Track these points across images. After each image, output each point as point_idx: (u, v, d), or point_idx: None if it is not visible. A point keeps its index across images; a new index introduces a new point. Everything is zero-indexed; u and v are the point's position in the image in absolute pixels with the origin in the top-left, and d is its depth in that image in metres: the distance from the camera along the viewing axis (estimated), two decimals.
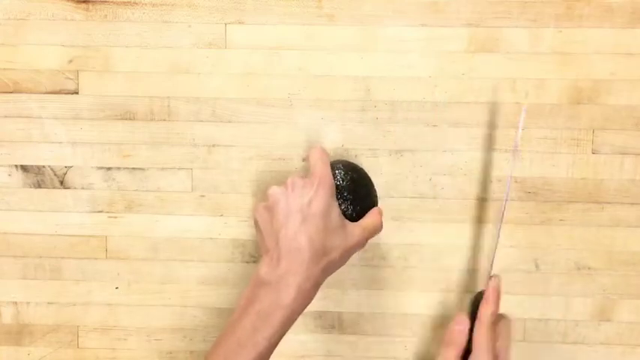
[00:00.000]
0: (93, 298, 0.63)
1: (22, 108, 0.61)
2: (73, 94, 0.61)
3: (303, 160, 0.60)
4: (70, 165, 0.62)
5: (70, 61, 0.61)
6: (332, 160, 0.55)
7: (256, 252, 0.62)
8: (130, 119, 0.61)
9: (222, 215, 0.61)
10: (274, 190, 0.51)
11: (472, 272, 0.61)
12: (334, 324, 0.62)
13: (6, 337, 0.63)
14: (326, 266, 0.49)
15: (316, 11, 0.59)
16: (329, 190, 0.50)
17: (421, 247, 0.61)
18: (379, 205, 0.56)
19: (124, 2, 0.60)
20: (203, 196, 0.61)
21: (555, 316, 0.61)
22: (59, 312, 0.63)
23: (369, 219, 0.53)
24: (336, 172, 0.53)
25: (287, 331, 0.49)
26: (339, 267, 0.52)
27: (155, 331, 0.63)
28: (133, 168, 0.61)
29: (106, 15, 0.60)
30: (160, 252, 0.62)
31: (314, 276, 0.48)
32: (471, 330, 0.50)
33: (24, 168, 0.62)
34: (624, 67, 0.59)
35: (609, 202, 0.60)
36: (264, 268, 0.48)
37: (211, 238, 0.62)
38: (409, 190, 0.60)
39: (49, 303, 0.63)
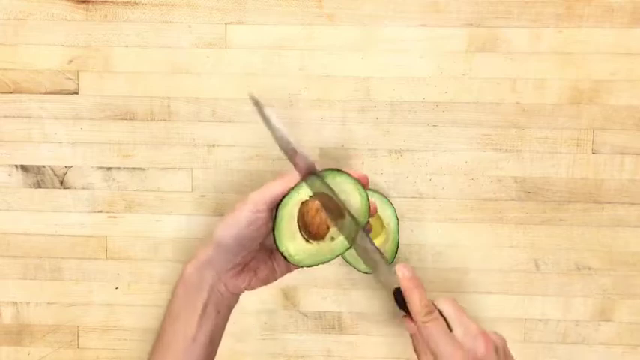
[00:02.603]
0: (93, 298, 0.63)
1: (22, 108, 0.61)
2: (73, 94, 0.61)
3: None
4: (70, 165, 0.62)
5: (70, 61, 0.61)
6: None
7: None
8: (130, 119, 0.61)
9: (222, 215, 0.61)
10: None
11: (472, 272, 0.61)
12: (334, 324, 0.62)
13: (6, 337, 0.63)
14: None
15: (316, 11, 0.59)
16: None
17: (421, 247, 0.61)
18: None
19: (124, 2, 0.60)
20: (203, 196, 0.61)
21: (555, 316, 0.61)
22: (59, 312, 0.63)
23: None
24: None
25: None
26: None
27: (155, 331, 0.63)
28: (133, 168, 0.61)
29: (106, 15, 0.60)
30: (159, 252, 0.62)
31: None
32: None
33: (24, 168, 0.62)
34: (624, 67, 0.59)
35: (609, 202, 0.60)
36: None
37: None
38: (409, 190, 0.60)
39: (49, 303, 0.63)
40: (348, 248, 0.48)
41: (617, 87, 0.59)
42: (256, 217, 0.46)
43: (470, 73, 0.59)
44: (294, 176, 0.48)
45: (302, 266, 0.48)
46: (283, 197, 0.47)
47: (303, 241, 0.48)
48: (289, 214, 0.47)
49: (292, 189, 0.47)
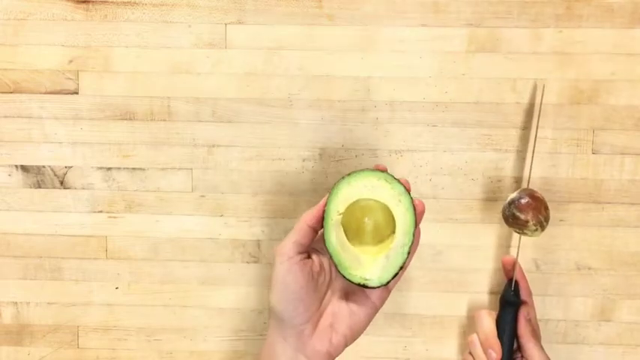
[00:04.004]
0: (93, 298, 0.63)
1: (22, 108, 0.61)
2: (73, 94, 0.61)
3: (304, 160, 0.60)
4: (70, 165, 0.62)
5: (70, 61, 0.61)
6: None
7: (256, 252, 0.62)
8: (130, 119, 0.61)
9: (222, 215, 0.61)
10: None
11: (472, 272, 0.61)
12: None
13: (6, 337, 0.63)
14: None
15: (316, 11, 0.59)
16: None
17: (421, 247, 0.61)
18: None
19: (124, 2, 0.60)
20: (203, 196, 0.61)
21: (555, 316, 0.61)
22: (59, 312, 0.63)
23: None
24: None
25: None
26: None
27: (155, 331, 0.63)
28: (133, 168, 0.61)
29: (106, 15, 0.60)
30: (160, 252, 0.62)
31: None
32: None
33: (24, 168, 0.62)
34: (624, 67, 0.59)
35: (609, 202, 0.60)
36: None
37: (211, 238, 0.62)
38: None
39: (49, 303, 0.63)
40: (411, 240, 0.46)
41: (617, 87, 0.59)
42: (289, 264, 0.45)
43: (470, 73, 0.59)
44: (317, 209, 0.47)
45: (382, 285, 0.46)
46: (323, 223, 0.46)
47: (367, 251, 0.47)
48: (336, 236, 0.46)
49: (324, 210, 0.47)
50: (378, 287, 0.46)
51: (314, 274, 0.47)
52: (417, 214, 0.47)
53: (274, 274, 0.46)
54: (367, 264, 0.46)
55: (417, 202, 0.47)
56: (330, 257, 0.46)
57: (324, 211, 0.47)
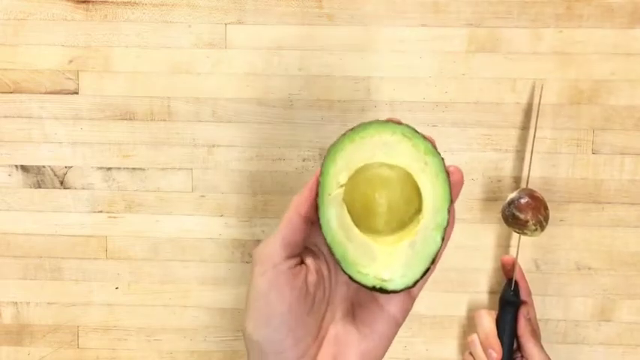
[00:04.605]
0: (93, 298, 0.63)
1: (22, 108, 0.61)
2: (73, 94, 0.61)
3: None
4: (70, 165, 0.62)
5: (70, 61, 0.61)
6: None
7: None
8: (130, 119, 0.61)
9: (222, 215, 0.61)
10: None
11: (472, 272, 0.61)
12: None
13: (6, 337, 0.63)
14: None
15: (316, 11, 0.59)
16: None
17: None
18: None
19: (124, 2, 0.60)
20: (203, 196, 0.61)
21: (555, 316, 0.61)
22: (59, 312, 0.63)
23: None
24: None
25: None
26: None
27: (155, 331, 0.63)
28: (133, 168, 0.61)
29: (106, 15, 0.60)
30: (160, 252, 0.62)
31: None
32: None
33: (24, 168, 0.62)
34: (624, 67, 0.59)
35: (609, 202, 0.60)
36: None
37: (211, 238, 0.62)
38: None
39: (49, 303, 0.63)
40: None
41: (617, 87, 0.59)
42: (274, 275, 0.32)
43: (470, 73, 0.59)
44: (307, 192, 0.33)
45: (406, 288, 0.32)
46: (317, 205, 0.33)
47: (382, 240, 0.33)
48: (337, 218, 0.33)
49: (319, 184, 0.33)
50: (402, 291, 0.32)
51: (309, 287, 0.33)
52: (452, 185, 0.33)
53: (252, 290, 0.32)
54: (384, 257, 0.33)
55: (451, 167, 0.34)
56: (330, 251, 0.32)
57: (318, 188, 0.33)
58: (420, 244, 0.33)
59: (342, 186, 0.33)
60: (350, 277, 0.32)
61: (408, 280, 0.32)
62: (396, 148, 0.34)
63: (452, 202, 0.33)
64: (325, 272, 0.35)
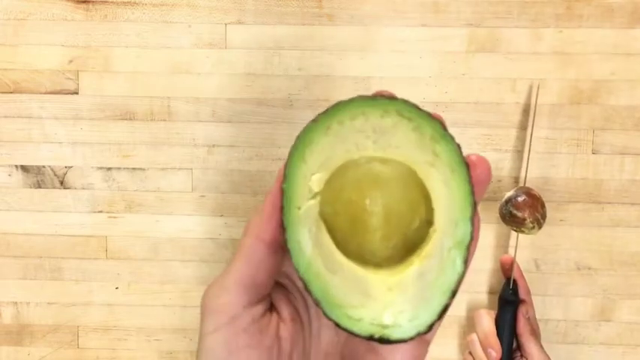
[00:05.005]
0: (93, 298, 0.63)
1: (22, 108, 0.61)
2: (73, 94, 0.61)
3: None
4: (70, 165, 0.62)
5: (70, 61, 0.61)
6: None
7: None
8: (130, 119, 0.61)
9: (222, 215, 0.61)
10: None
11: (471, 272, 0.61)
12: None
13: (6, 337, 0.63)
14: None
15: (316, 11, 0.59)
16: None
17: None
18: None
19: (124, 2, 0.60)
20: (203, 196, 0.61)
21: (555, 316, 0.61)
22: (59, 312, 0.63)
23: None
24: None
25: None
26: None
27: (155, 331, 0.63)
28: (133, 168, 0.61)
29: (106, 15, 0.60)
30: (160, 252, 0.62)
31: None
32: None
33: (24, 168, 0.62)
34: (624, 67, 0.58)
35: (609, 202, 0.60)
36: None
37: (211, 238, 0.62)
38: None
39: (49, 303, 0.63)
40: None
41: (617, 87, 0.59)
42: (232, 333, 0.24)
43: (470, 73, 0.59)
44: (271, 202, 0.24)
45: (418, 334, 0.24)
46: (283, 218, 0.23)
47: (378, 270, 0.24)
48: (312, 241, 0.24)
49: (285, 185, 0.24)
50: (411, 339, 0.24)
51: (283, 345, 0.24)
52: (476, 182, 0.24)
53: (201, 355, 0.24)
54: (382, 292, 0.24)
55: (472, 156, 0.25)
56: (305, 287, 0.23)
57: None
58: (433, 270, 0.24)
59: (316, 195, 0.24)
60: (336, 324, 0.23)
61: (420, 324, 0.23)
62: (391, 134, 0.24)
63: (475, 206, 0.24)
64: (305, 317, 0.25)
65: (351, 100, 0.24)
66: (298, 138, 0.24)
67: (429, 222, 0.24)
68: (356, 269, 0.24)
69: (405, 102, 0.24)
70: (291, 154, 0.24)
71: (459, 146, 0.24)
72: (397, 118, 0.24)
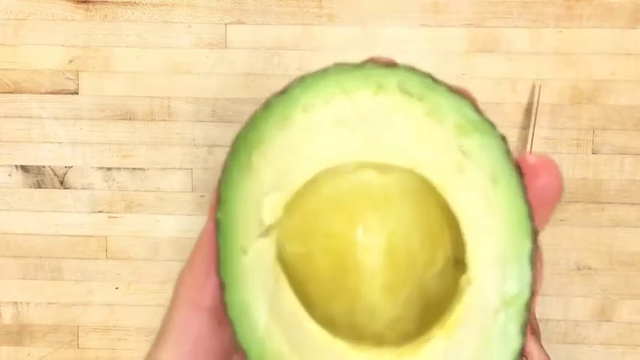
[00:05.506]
0: (93, 298, 0.63)
1: (22, 108, 0.61)
2: (73, 94, 0.61)
3: None
4: (70, 165, 0.62)
5: (70, 61, 0.61)
6: None
7: None
8: (130, 119, 0.61)
9: None
10: None
11: None
12: None
13: (6, 337, 0.63)
14: None
15: (316, 11, 0.59)
16: None
17: None
18: None
19: (124, 2, 0.60)
20: (203, 196, 0.61)
21: (555, 316, 0.61)
22: (59, 312, 0.63)
23: None
24: None
25: None
26: None
27: (155, 331, 0.62)
28: (133, 168, 0.61)
29: (106, 15, 0.60)
30: (159, 252, 0.62)
31: None
32: None
33: (24, 168, 0.62)
34: (624, 67, 0.59)
35: (609, 202, 0.60)
36: None
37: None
38: None
39: (49, 303, 0.63)
40: None
41: (617, 87, 0.59)
42: None
43: (470, 73, 0.59)
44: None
45: None
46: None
47: (376, 344, 0.15)
48: (269, 309, 0.15)
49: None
50: None
51: None
52: (536, 200, 0.16)
53: None
54: None
55: (531, 158, 0.17)
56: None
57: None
58: (470, 349, 0.15)
59: (270, 228, 0.16)
60: None
61: None
62: (391, 122, 0.15)
63: (536, 238, 0.15)
64: None
65: (324, 72, 0.15)
66: (239, 136, 0.15)
67: (458, 263, 0.15)
68: (341, 349, 0.15)
69: (412, 70, 0.15)
70: (227, 164, 0.15)
71: (504, 139, 0.15)
72: (400, 97, 0.15)
